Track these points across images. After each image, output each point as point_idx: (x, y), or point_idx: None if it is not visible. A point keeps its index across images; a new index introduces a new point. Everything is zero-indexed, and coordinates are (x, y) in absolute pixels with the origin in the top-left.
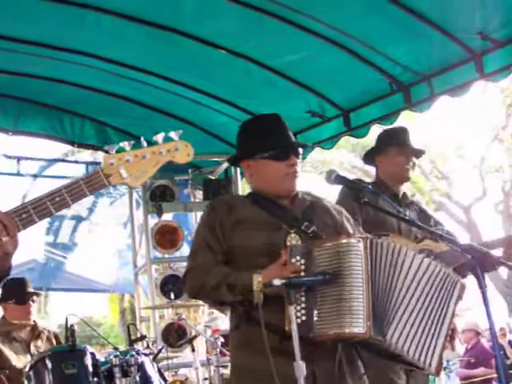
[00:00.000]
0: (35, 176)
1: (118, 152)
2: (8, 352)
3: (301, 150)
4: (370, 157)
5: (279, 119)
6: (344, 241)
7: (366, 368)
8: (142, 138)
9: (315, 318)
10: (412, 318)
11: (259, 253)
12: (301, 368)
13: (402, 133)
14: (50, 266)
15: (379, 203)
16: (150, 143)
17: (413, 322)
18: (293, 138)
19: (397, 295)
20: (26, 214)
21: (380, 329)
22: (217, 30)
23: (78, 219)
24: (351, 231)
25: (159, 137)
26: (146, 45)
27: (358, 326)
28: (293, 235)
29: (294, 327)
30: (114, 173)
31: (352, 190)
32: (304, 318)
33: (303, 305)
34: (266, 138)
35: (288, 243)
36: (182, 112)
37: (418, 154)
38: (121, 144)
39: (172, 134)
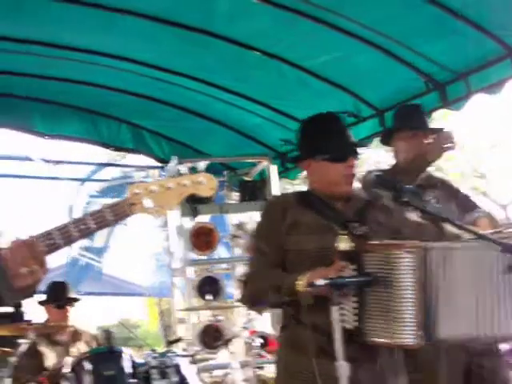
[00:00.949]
0: (74, 180)
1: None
2: (49, 354)
3: (360, 150)
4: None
5: (338, 119)
6: (395, 250)
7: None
8: (167, 167)
9: (365, 325)
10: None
11: (311, 256)
12: (344, 368)
13: (405, 114)
14: (85, 270)
15: (418, 202)
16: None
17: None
18: (352, 138)
19: (458, 297)
20: (52, 240)
21: (435, 335)
22: (250, 31)
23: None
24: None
25: (185, 167)
26: (178, 47)
27: (409, 337)
28: (343, 237)
29: (337, 327)
30: (138, 202)
31: (391, 190)
32: (355, 323)
33: (354, 310)
34: (327, 139)
35: (338, 245)
36: (216, 114)
37: (428, 133)
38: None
39: (200, 165)
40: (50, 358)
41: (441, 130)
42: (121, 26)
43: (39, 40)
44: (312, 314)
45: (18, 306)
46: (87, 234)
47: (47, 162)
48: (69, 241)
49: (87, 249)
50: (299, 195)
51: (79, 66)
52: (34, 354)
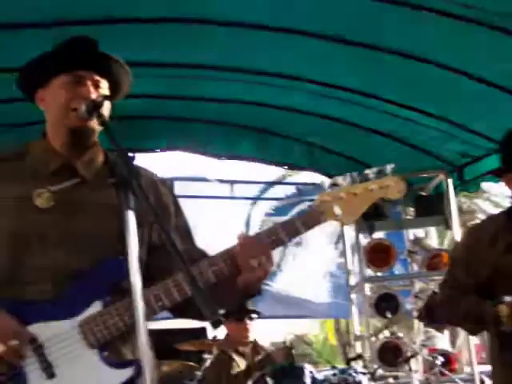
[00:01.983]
0: (249, 199)
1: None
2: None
3: None
4: None
5: None
6: None
7: None
8: (354, 174)
9: None
10: None
11: None
12: None
13: None
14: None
15: None
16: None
17: None
18: None
19: None
20: None
21: None
22: (423, 44)
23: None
24: None
25: (370, 172)
26: (348, 64)
27: None
28: None
29: None
30: (327, 210)
31: None
32: None
33: None
34: None
35: None
36: (388, 128)
37: None
38: (338, 179)
39: (387, 168)
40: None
41: None
42: (294, 47)
43: (212, 64)
44: None
45: (217, 323)
46: (278, 245)
47: (222, 182)
48: None
49: None
50: (506, 213)
51: (253, 87)
52: (219, 368)
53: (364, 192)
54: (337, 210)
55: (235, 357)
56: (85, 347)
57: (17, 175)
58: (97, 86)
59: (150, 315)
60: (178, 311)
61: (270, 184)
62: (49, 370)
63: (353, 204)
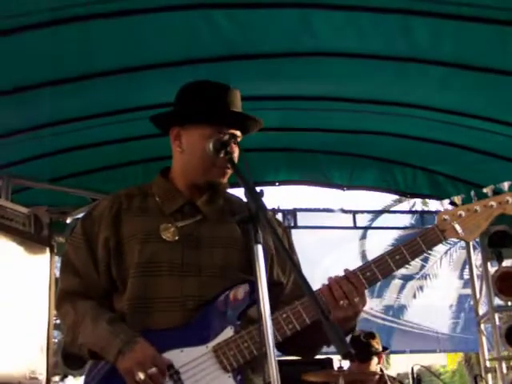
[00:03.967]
0: (371, 228)
1: (451, 204)
2: None
3: None
4: None
5: None
6: None
7: None
8: (472, 193)
9: None
10: None
11: None
12: None
13: None
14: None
15: None
16: (480, 194)
17: None
18: None
19: None
20: (370, 272)
21: None
22: None
23: (407, 278)
24: None
25: (489, 190)
26: (471, 89)
27: None
28: None
29: None
30: (448, 228)
31: None
32: None
33: None
34: None
35: None
36: None
37: None
38: (453, 198)
39: (504, 185)
40: None
41: None
42: (412, 74)
43: (329, 95)
44: None
45: (349, 355)
46: (402, 264)
47: (345, 211)
48: (385, 272)
49: (375, 308)
50: None
51: (370, 116)
52: None
53: (484, 209)
54: (457, 228)
55: None
56: (219, 371)
57: (143, 211)
58: (236, 142)
59: (281, 338)
60: (305, 343)
61: (392, 213)
62: None
63: (473, 221)
